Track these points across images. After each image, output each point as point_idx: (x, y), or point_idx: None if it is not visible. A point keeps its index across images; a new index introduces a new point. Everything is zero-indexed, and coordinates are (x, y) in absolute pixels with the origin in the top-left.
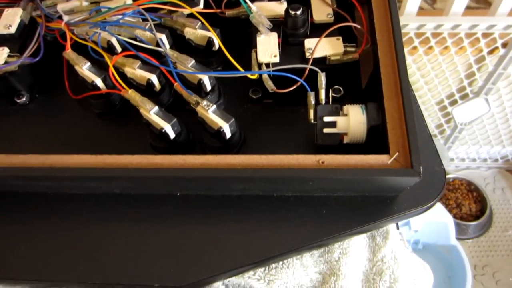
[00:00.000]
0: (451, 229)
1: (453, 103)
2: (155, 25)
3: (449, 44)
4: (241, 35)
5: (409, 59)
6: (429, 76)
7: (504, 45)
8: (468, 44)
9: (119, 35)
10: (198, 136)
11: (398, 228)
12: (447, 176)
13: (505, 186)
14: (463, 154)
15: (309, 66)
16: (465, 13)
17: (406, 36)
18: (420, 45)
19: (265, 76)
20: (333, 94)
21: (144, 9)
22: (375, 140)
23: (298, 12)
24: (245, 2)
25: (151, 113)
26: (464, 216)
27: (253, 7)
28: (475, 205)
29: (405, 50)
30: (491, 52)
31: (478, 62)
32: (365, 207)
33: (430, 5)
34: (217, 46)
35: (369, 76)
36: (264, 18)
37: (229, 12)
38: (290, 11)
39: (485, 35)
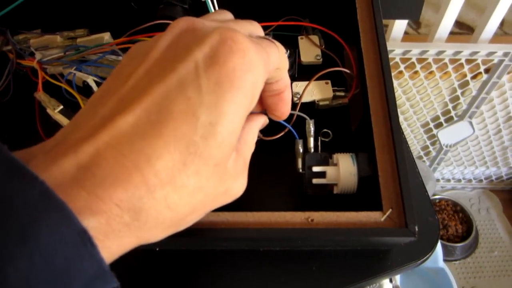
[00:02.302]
0: (439, 252)
1: (438, 125)
2: None
3: (434, 69)
4: None
5: (395, 83)
6: (415, 99)
7: (487, 70)
8: (452, 69)
9: (97, 75)
10: None
11: (391, 281)
12: (434, 197)
13: (490, 206)
14: (448, 175)
15: (296, 113)
16: (448, 38)
17: (392, 61)
18: (405, 69)
19: None
20: (322, 138)
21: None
22: (367, 190)
23: (286, 55)
24: None
25: None
26: (451, 237)
27: None
28: (461, 226)
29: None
30: (474, 77)
31: (462, 87)
32: (357, 262)
33: (415, 30)
34: None
35: (358, 121)
36: None
37: None
38: None
39: (468, 61)
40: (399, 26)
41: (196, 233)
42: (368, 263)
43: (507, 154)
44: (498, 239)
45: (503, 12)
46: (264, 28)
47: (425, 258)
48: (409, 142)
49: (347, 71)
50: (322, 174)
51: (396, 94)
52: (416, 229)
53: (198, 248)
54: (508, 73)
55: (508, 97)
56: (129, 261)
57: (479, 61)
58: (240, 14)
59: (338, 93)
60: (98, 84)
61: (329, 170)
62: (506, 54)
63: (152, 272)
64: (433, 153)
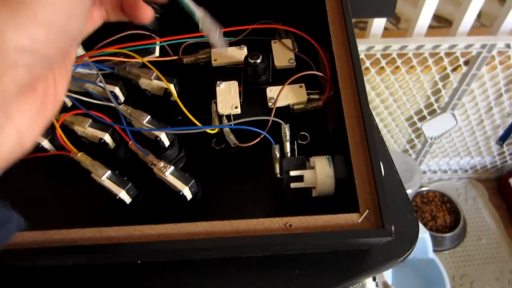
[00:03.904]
0: (429, 244)
1: (422, 118)
2: (109, 75)
3: (415, 63)
4: (200, 81)
5: (377, 79)
6: (398, 94)
7: (466, 62)
8: (433, 63)
9: (69, 90)
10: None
11: (374, 280)
12: (422, 189)
13: (476, 195)
14: (434, 167)
15: (271, 118)
16: (427, 33)
17: (373, 57)
18: (387, 65)
19: (226, 129)
20: (300, 141)
21: (97, 60)
22: (344, 192)
23: (258, 61)
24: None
25: (103, 178)
26: (440, 228)
27: (198, 11)
28: (449, 216)
29: (373, 70)
30: (454, 69)
31: (443, 80)
32: (338, 264)
33: (394, 25)
34: (174, 98)
35: (334, 122)
36: (214, 26)
37: (186, 59)
38: (250, 60)
39: (448, 54)
40: (379, 22)
41: (175, 244)
42: (349, 263)
43: (490, 143)
44: (485, 227)
45: (480, 4)
46: (239, 32)
47: (405, 255)
48: (394, 136)
49: (321, 74)
50: (299, 178)
51: (379, 90)
52: (393, 229)
53: (178, 259)
54: (487, 64)
55: (488, 88)
56: (114, 275)
57: (458, 53)
58: (215, 18)
59: (312, 96)
60: (69, 98)
61: (306, 173)
62: (484, 46)
63: (135, 285)
64: (419, 146)
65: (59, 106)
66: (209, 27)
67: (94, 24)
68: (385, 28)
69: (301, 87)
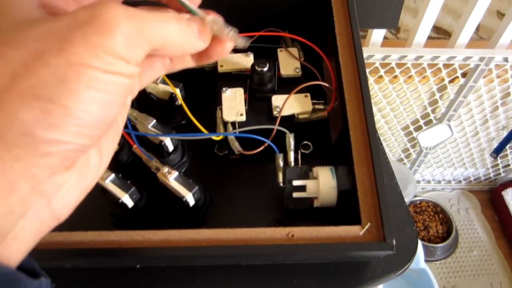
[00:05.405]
0: (420, 254)
1: (418, 128)
2: None
3: (413, 73)
4: (206, 87)
5: (375, 88)
6: (395, 103)
7: (464, 74)
8: (431, 74)
9: None
10: (162, 196)
11: None
12: (415, 199)
13: (469, 206)
14: (428, 177)
15: (276, 127)
16: (426, 43)
17: (372, 66)
18: (385, 74)
19: (231, 137)
20: (302, 151)
21: None
22: (346, 203)
23: (265, 69)
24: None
25: (107, 181)
26: (432, 238)
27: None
28: (441, 226)
29: (371, 79)
30: (452, 81)
31: (440, 91)
32: (337, 275)
33: (394, 35)
34: (179, 102)
35: (338, 133)
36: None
37: None
38: (257, 68)
39: (446, 66)
40: (379, 31)
41: (178, 251)
42: (348, 275)
43: (484, 155)
44: (477, 238)
45: (479, 17)
46: None
47: (404, 268)
48: (390, 145)
49: (326, 85)
50: (302, 188)
51: (377, 98)
52: (394, 243)
53: (179, 265)
54: (484, 77)
55: (484, 101)
56: (112, 278)
57: (456, 65)
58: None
59: (317, 106)
60: None
61: (309, 183)
62: (481, 59)
63: None
64: (414, 156)
65: (102, 173)
66: (219, 29)
67: (155, 74)
68: (385, 38)
69: (306, 96)
